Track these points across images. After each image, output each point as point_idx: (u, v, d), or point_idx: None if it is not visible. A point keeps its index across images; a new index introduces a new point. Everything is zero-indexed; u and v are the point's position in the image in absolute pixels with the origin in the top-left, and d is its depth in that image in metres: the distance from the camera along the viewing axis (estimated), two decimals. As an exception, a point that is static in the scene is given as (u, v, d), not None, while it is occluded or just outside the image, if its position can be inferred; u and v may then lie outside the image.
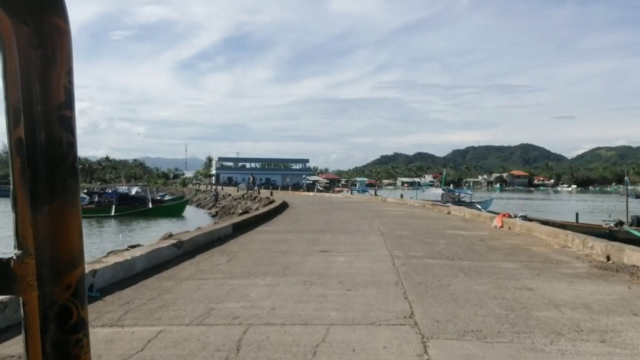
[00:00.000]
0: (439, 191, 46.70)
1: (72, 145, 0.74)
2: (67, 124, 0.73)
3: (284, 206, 22.18)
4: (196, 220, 34.96)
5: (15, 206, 0.72)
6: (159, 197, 47.66)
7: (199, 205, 50.91)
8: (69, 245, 0.74)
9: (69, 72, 0.73)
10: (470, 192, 46.85)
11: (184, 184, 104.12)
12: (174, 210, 38.93)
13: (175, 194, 70.07)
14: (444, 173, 54.18)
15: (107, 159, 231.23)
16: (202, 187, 77.21)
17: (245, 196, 39.21)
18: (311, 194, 50.44)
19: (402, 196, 34.93)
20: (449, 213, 19.20)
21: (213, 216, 36.17)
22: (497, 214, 19.63)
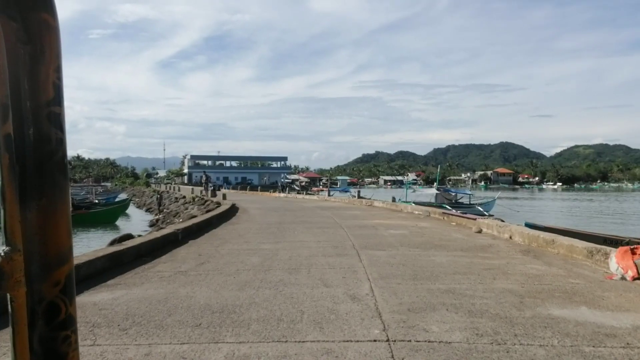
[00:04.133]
0: (432, 191, 39.40)
1: (61, 141, 0.75)
2: (56, 120, 0.74)
3: (220, 218, 14.60)
4: (126, 229, 27.34)
5: (3, 202, 0.71)
6: (96, 201, 39.68)
7: (148, 210, 42.94)
8: (57, 242, 0.74)
9: (57, 69, 0.74)
10: (470, 192, 39.59)
11: (147, 184, 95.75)
12: (104, 217, 30.98)
13: (131, 195, 61.84)
14: (438, 170, 46.58)
15: (77, 157, 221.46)
16: (162, 188, 68.76)
17: (196, 199, 31.44)
18: (282, 195, 42.77)
19: (394, 200, 27.24)
20: (480, 231, 11.78)
21: (151, 225, 28.33)
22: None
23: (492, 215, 36.70)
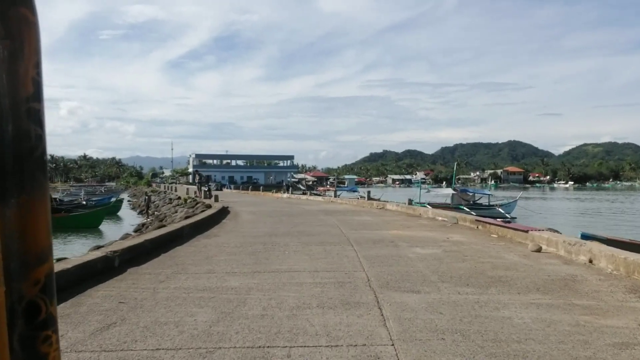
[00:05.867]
0: (448, 191, 36.15)
1: (41, 138, 0.73)
2: (36, 117, 0.73)
3: (196, 228, 11.45)
4: (110, 235, 24.53)
5: None
6: (84, 202, 36.74)
7: (142, 212, 39.92)
8: (37, 240, 0.73)
9: (37, 65, 0.73)
10: (489, 192, 36.17)
11: (149, 184, 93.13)
12: (87, 221, 27.91)
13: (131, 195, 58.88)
14: (454, 169, 42.79)
15: (84, 157, 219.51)
16: (161, 188, 65.74)
17: (188, 201, 28.35)
18: (285, 195, 39.60)
19: (411, 202, 23.71)
20: (539, 250, 8.57)
21: (136, 230, 25.23)
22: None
23: (515, 218, 33.48)
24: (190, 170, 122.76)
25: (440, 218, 15.09)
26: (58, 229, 25.68)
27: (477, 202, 35.20)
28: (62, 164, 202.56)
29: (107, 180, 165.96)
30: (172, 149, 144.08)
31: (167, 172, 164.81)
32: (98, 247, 8.58)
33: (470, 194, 36.05)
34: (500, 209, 33.91)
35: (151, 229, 11.09)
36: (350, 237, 10.49)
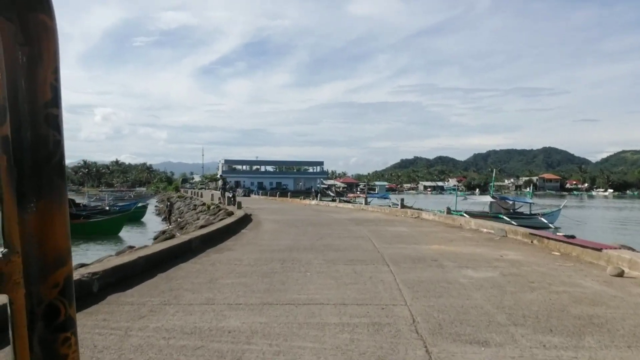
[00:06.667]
0: (486, 199, 34.14)
1: (59, 143, 0.73)
2: (54, 123, 0.73)
3: (206, 241, 10.07)
4: (129, 243, 23.45)
5: (1, 204, 0.71)
6: (107, 208, 36.00)
7: (165, 219, 39.00)
8: (56, 244, 0.73)
9: (55, 70, 0.72)
10: (530, 201, 33.95)
11: (177, 189, 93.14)
12: (106, 227, 26.94)
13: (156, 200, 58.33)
14: (493, 175, 40.20)
15: (116, 162, 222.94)
16: (188, 193, 65.09)
17: (211, 207, 27.16)
18: (313, 202, 38.16)
19: (450, 210, 21.51)
20: (620, 274, 6.89)
21: (156, 237, 24.08)
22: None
23: (559, 228, 31.27)
24: (219, 176, 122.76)
25: (485, 230, 13.39)
26: (75, 236, 24.77)
27: (517, 210, 33.12)
28: (94, 169, 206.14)
29: (137, 186, 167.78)
30: (202, 155, 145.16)
31: (197, 178, 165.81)
32: (82, 265, 7.24)
33: (510, 202, 33.98)
34: (542, 219, 31.80)
35: (158, 241, 9.74)
36: (384, 254, 8.94)
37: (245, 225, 15.14)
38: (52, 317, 0.73)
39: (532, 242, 10.82)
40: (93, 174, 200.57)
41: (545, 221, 31.38)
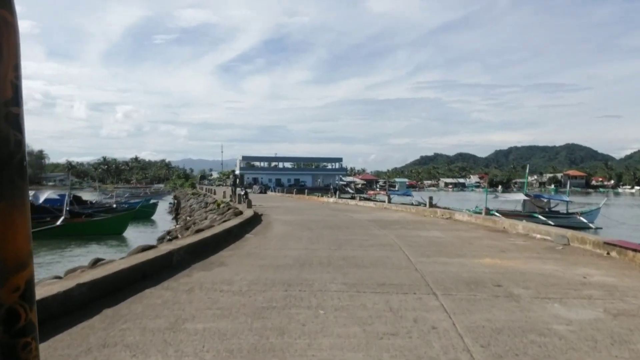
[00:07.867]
0: (519, 196, 31.57)
1: (20, 143, 0.71)
2: (15, 121, 0.70)
3: (195, 253, 7.95)
4: (133, 244, 21.58)
5: None
6: (114, 206, 34.26)
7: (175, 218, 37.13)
8: (16, 246, 0.71)
9: (16, 67, 0.70)
10: (567, 199, 31.25)
11: (193, 185, 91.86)
12: (108, 227, 25.04)
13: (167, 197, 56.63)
14: (526, 172, 37.28)
15: (136, 159, 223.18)
16: (203, 190, 63.31)
17: (221, 206, 25.12)
18: (332, 200, 35.93)
19: (490, 212, 18.62)
20: None
21: (161, 238, 22.12)
22: None
23: (601, 228, 28.61)
24: (237, 172, 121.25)
25: (539, 236, 11.04)
26: (75, 236, 22.94)
27: (553, 209, 30.52)
28: (114, 165, 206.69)
29: (156, 182, 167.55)
30: (222, 152, 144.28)
31: (215, 175, 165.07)
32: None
33: (545, 200, 31.35)
34: (581, 218, 29.18)
35: (133, 252, 7.65)
36: (425, 272, 6.69)
37: (252, 228, 13.03)
38: (12, 321, 0.70)
39: (608, 253, 8.49)
40: (112, 170, 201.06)
41: (585, 220, 28.79)
